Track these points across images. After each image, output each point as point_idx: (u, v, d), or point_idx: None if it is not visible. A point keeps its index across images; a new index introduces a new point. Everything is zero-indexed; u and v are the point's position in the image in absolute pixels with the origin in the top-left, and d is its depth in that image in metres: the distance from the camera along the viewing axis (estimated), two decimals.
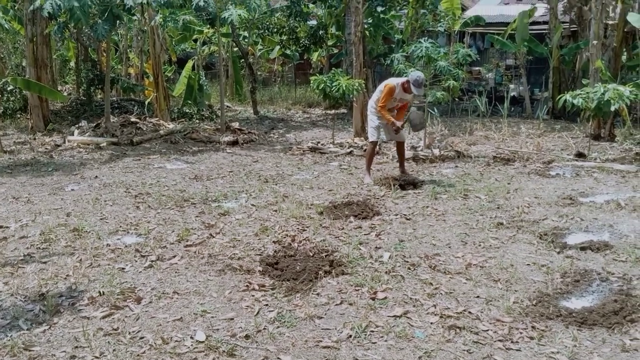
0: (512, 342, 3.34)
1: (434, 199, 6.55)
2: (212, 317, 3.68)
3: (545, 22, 15.42)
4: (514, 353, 3.23)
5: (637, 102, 10.70)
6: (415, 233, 5.32)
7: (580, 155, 8.87)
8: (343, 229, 5.48)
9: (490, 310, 3.74)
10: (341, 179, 7.76)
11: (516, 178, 7.64)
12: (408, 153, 8.72)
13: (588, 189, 6.92)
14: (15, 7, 12.96)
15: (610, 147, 9.86)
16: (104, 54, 15.26)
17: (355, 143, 10.26)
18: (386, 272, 4.36)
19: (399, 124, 7.27)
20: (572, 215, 5.79)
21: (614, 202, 6.20)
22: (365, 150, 8.83)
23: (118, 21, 11.18)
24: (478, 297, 3.94)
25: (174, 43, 17.69)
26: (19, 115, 13.37)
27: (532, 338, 3.38)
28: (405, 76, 7.70)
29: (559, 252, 4.76)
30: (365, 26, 13.93)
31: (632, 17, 10.09)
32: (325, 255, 4.72)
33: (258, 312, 3.73)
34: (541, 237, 5.14)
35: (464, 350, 3.26)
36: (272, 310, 3.75)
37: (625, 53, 12.89)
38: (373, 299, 3.91)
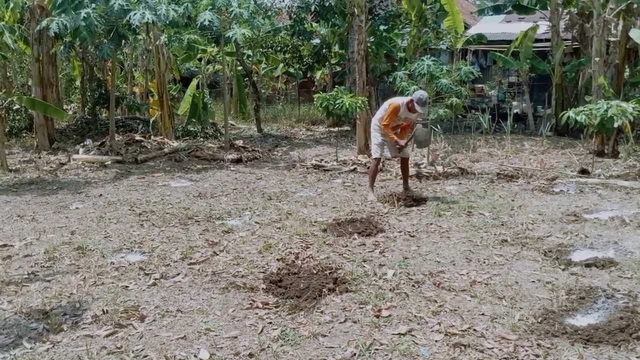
0: (517, 359, 3.32)
1: (437, 216, 6.54)
2: (216, 335, 3.66)
3: (547, 40, 15.51)
4: None
5: None
6: (420, 250, 5.31)
7: (584, 172, 8.87)
8: (347, 246, 5.47)
9: (495, 327, 3.72)
10: (345, 196, 7.77)
11: (520, 195, 7.63)
12: (411, 170, 8.73)
13: (592, 206, 6.91)
14: (22, 28, 13.12)
15: (614, 163, 9.85)
16: (109, 73, 15.40)
17: (359, 160, 10.29)
18: (390, 290, 4.34)
19: (402, 142, 7.30)
20: (576, 232, 5.77)
21: (619, 219, 6.18)
22: (368, 168, 8.85)
23: (123, 41, 11.32)
24: (483, 314, 3.92)
25: (178, 62, 17.86)
26: (24, 134, 13.47)
27: (537, 356, 3.35)
28: (409, 95, 7.75)
29: (563, 269, 4.74)
30: (368, 44, 14.03)
31: (634, 34, 10.15)
32: (329, 273, 4.71)
33: (262, 330, 3.71)
34: (546, 254, 5.12)
35: None
36: (275, 329, 3.74)
37: (627, 70, 12.94)
38: (377, 316, 3.89)
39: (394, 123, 7.31)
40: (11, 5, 12.72)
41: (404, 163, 7.69)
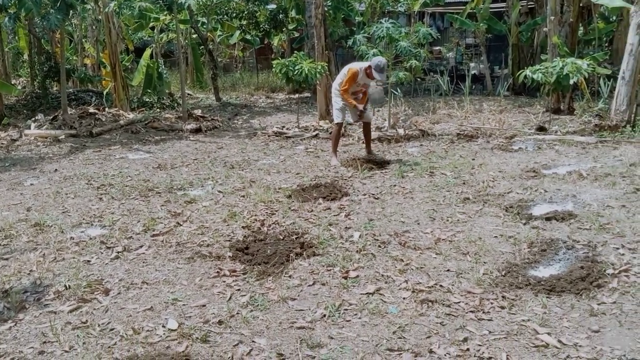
0: (483, 312, 3.39)
1: (401, 177, 6.58)
2: (184, 304, 3.61)
3: (503, 0, 15.60)
4: (486, 323, 3.28)
5: (595, 75, 10.97)
6: (384, 212, 5.33)
7: (541, 129, 9.04)
8: (312, 211, 5.45)
9: (461, 282, 3.78)
10: (308, 162, 7.73)
11: (480, 154, 7.74)
12: (374, 134, 8.72)
13: (550, 161, 7.06)
14: None
15: (570, 120, 10.08)
16: (58, 45, 14.79)
17: (321, 126, 10.23)
18: (357, 251, 4.36)
19: (361, 107, 7.26)
20: (536, 187, 5.90)
21: (576, 173, 6.33)
22: (330, 133, 8.81)
23: (71, 10, 10.83)
24: (448, 270, 3.98)
25: (130, 32, 17.25)
26: None
27: (503, 307, 3.43)
28: (369, 59, 7.68)
29: (525, 224, 4.84)
30: (326, 8, 13.82)
31: None
32: (296, 238, 4.70)
33: (230, 298, 3.68)
34: (507, 210, 5.22)
35: (437, 322, 3.29)
36: (244, 295, 3.71)
37: (581, 28, 13.14)
38: (345, 278, 3.91)
39: (353, 88, 7.26)
40: None
41: (366, 127, 7.68)
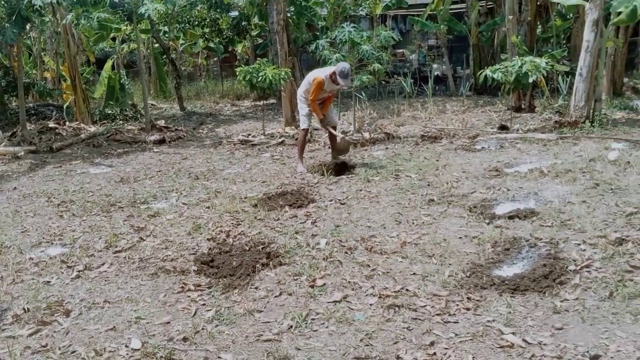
0: (449, 314, 3.40)
1: (366, 181, 6.59)
2: (147, 322, 3.54)
3: (462, 1, 15.84)
4: (452, 325, 3.29)
5: (554, 72, 11.19)
6: (351, 217, 5.33)
7: (503, 128, 9.18)
8: (278, 219, 5.41)
9: (427, 285, 3.80)
10: (274, 169, 7.69)
11: (444, 155, 7.81)
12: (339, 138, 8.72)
13: (512, 160, 7.16)
14: None
15: (531, 117, 10.26)
16: (16, 59, 14.44)
17: (286, 132, 10.21)
18: (324, 259, 4.34)
19: (321, 116, 7.28)
20: (498, 186, 5.97)
21: (537, 170, 6.44)
22: (296, 139, 8.79)
23: (28, 24, 10.58)
24: (414, 274, 3.99)
25: (90, 43, 16.95)
26: None
27: (468, 309, 3.45)
28: (332, 64, 7.69)
29: (488, 223, 4.89)
30: (288, 14, 13.82)
31: None
32: (262, 248, 4.65)
33: (195, 313, 3.62)
34: (471, 210, 5.27)
35: (404, 327, 3.29)
36: (209, 310, 3.65)
37: (539, 26, 13.42)
38: (312, 286, 3.88)
39: (321, 96, 7.25)
40: None
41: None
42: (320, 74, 7.17)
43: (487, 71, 8.97)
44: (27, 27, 11.89)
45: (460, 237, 4.62)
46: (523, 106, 11.09)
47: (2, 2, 9.53)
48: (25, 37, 14.83)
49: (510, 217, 4.95)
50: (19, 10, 9.72)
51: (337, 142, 7.49)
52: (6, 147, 9.96)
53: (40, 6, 9.63)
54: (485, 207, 5.30)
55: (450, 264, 4.11)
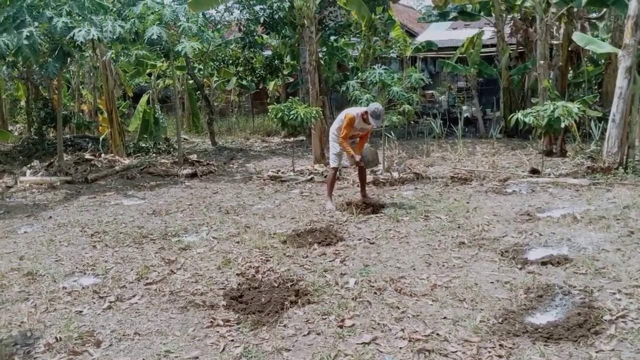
0: None
1: (396, 221, 6.57)
2: (176, 356, 3.55)
3: (493, 45, 15.96)
4: None
5: (585, 117, 11.13)
6: (380, 257, 5.31)
7: (534, 172, 9.10)
8: (307, 257, 5.42)
9: (458, 330, 3.74)
10: (303, 206, 7.73)
11: (474, 197, 7.76)
12: (368, 177, 8.75)
13: (544, 204, 7.08)
14: None
15: (562, 162, 10.16)
16: (56, 92, 14.96)
17: (316, 170, 10.28)
18: (353, 299, 4.32)
19: (358, 158, 7.32)
20: (530, 230, 5.90)
21: (570, 216, 6.35)
22: (326, 177, 8.86)
23: (69, 58, 11.00)
24: (445, 318, 3.93)
25: (127, 78, 17.50)
26: None
27: (500, 357, 3.37)
28: (362, 104, 7.79)
29: (520, 268, 4.82)
30: (320, 55, 14.11)
31: (576, 37, 10.53)
32: (291, 285, 4.65)
33: (224, 349, 3.62)
34: (503, 254, 5.21)
35: None
36: (238, 346, 3.65)
37: (570, 71, 13.42)
38: (341, 326, 3.86)
39: (351, 133, 7.33)
40: None
41: (361, 171, 7.72)
42: (352, 111, 7.27)
43: (519, 115, 8.96)
44: (68, 61, 12.33)
45: (492, 282, 4.55)
46: (554, 150, 11.00)
47: (46, 38, 9.92)
48: (65, 71, 15.35)
49: (543, 263, 4.88)
50: (61, 46, 10.14)
51: (363, 152, 7.48)
52: (43, 177, 10.24)
53: (81, 42, 10.02)
54: (518, 251, 5.23)
55: (481, 309, 4.05)
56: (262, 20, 14.88)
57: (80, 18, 9.94)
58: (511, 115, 9.33)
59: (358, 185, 8.00)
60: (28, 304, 4.49)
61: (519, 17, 14.49)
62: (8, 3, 10.91)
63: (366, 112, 7.05)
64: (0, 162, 11.69)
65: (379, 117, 6.99)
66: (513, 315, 3.91)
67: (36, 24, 9.59)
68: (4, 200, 8.88)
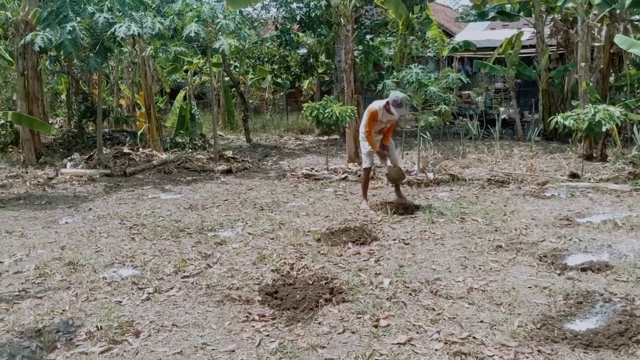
0: None
1: (431, 223, 6.52)
2: (213, 349, 3.60)
3: (532, 46, 15.67)
4: None
5: (627, 122, 10.84)
6: (415, 258, 5.28)
7: (574, 176, 8.91)
8: (341, 255, 5.43)
9: (495, 334, 3.70)
10: (337, 204, 7.74)
11: (512, 200, 7.65)
12: None
13: (584, 209, 6.93)
14: (7, 42, 12.99)
15: (602, 167, 9.92)
16: (95, 86, 15.31)
17: (349, 168, 10.28)
18: (387, 299, 4.31)
19: (384, 153, 7.32)
20: (570, 236, 5.79)
21: (611, 222, 6.21)
22: (359, 176, 8.84)
23: (109, 53, 11.24)
24: (482, 321, 3.89)
25: (165, 74, 17.79)
26: (10, 149, 13.30)
27: None
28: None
29: (559, 274, 4.74)
30: (356, 53, 14.07)
31: (618, 39, 10.27)
32: (325, 283, 4.67)
33: (259, 343, 3.66)
34: (541, 259, 5.12)
35: None
36: (273, 341, 3.68)
37: (612, 74, 13.08)
38: (376, 326, 3.85)
39: (377, 127, 7.27)
40: None
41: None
42: (374, 105, 7.22)
43: (558, 117, 8.79)
44: (108, 56, 12.63)
45: (530, 287, 4.48)
46: (594, 155, 10.74)
47: (87, 33, 10.16)
48: (104, 66, 15.69)
49: (583, 269, 4.78)
50: (102, 41, 10.37)
51: (388, 173, 7.46)
52: (83, 169, 10.50)
53: (122, 38, 10.23)
54: (556, 257, 5.14)
55: (519, 314, 3.99)
56: (298, 18, 14.92)
57: (121, 14, 10.16)
58: (550, 118, 9.17)
59: (392, 185, 7.97)
60: (69, 293, 4.61)
61: (560, 18, 14.18)
62: None
63: (387, 103, 7.01)
64: (42, 154, 12.00)
65: (401, 105, 6.92)
66: (552, 321, 3.84)
67: (78, 19, 9.84)
68: (46, 191, 9.13)
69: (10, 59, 12.17)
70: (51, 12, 10.00)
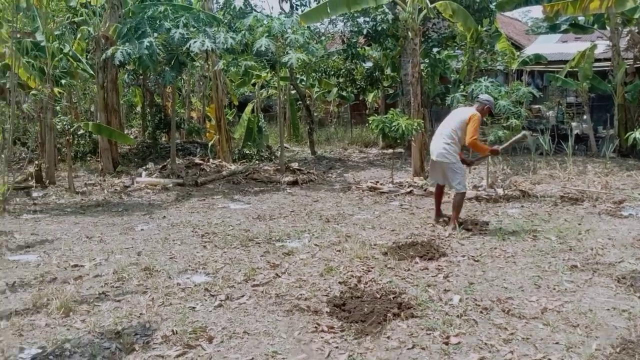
0: None
1: (501, 240, 6.38)
2: (283, 358, 3.66)
3: (606, 59, 15.09)
4: None
5: None
6: (485, 275, 5.18)
7: None
8: (409, 270, 5.40)
9: (572, 357, 3.57)
10: (403, 218, 7.70)
11: (586, 218, 7.37)
12: (470, 192, 8.57)
13: None
14: (88, 56, 13.75)
15: None
16: (169, 99, 15.94)
17: (415, 182, 10.20)
18: (458, 316, 4.24)
19: (498, 147, 7.23)
20: None
21: None
22: (425, 190, 8.75)
23: (183, 67, 11.70)
24: (557, 343, 3.77)
25: (234, 87, 18.30)
26: (89, 158, 14.04)
27: None
28: (469, 105, 7.65)
29: None
30: (422, 67, 14.00)
31: None
32: (393, 297, 4.66)
33: (329, 355, 3.69)
34: (619, 281, 4.91)
35: None
36: (342, 353, 3.70)
37: None
38: (446, 343, 3.81)
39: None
40: (79, 35, 13.37)
41: (440, 188, 7.35)
42: (471, 111, 6.85)
43: (636, 133, 8.42)
44: (182, 70, 13.19)
45: (608, 309, 4.31)
46: None
47: (163, 48, 10.62)
48: (178, 79, 16.32)
49: None
50: (177, 56, 10.82)
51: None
52: (157, 179, 10.94)
53: (196, 52, 10.63)
54: (636, 279, 4.91)
55: (597, 337, 3.84)
56: (365, 32, 15.02)
57: (195, 29, 10.57)
58: (628, 134, 8.79)
59: (467, 200, 7.72)
60: (146, 297, 4.80)
61: (637, 31, 13.62)
62: (131, 15, 11.83)
63: (488, 107, 6.94)
64: (119, 163, 12.60)
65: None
66: (632, 346, 3.68)
67: (155, 34, 10.32)
68: (122, 199, 9.57)
69: (91, 72, 12.87)
70: (130, 27, 10.54)
